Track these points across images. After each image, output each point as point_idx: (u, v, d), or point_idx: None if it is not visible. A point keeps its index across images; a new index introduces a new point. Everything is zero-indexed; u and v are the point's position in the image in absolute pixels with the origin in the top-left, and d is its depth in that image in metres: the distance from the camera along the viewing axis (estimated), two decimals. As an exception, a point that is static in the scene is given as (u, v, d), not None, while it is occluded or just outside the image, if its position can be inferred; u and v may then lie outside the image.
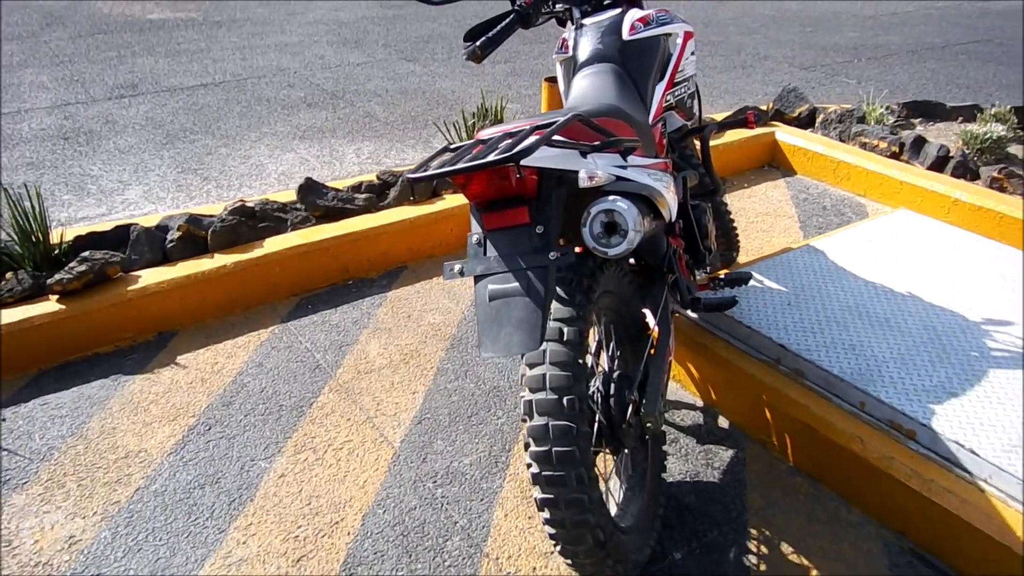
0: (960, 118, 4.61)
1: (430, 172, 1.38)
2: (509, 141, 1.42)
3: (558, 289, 1.62)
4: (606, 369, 1.87)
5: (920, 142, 3.96)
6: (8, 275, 2.72)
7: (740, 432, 2.39)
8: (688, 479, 2.22)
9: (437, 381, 2.62)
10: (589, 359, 1.86)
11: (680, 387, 2.59)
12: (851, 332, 2.42)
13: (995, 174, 3.64)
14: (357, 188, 3.43)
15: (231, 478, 2.22)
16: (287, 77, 5.88)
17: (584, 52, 2.25)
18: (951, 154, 3.84)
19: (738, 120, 2.53)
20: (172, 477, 2.22)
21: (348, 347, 2.79)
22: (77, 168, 4.23)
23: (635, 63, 2.21)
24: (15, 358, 2.62)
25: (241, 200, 3.19)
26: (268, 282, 3.03)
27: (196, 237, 3.01)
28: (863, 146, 4.14)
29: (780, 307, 2.54)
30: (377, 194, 3.42)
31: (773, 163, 4.33)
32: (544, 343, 1.58)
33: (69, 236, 2.97)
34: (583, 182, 1.49)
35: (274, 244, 3.07)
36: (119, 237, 2.98)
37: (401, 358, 2.74)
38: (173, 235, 2.98)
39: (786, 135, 4.28)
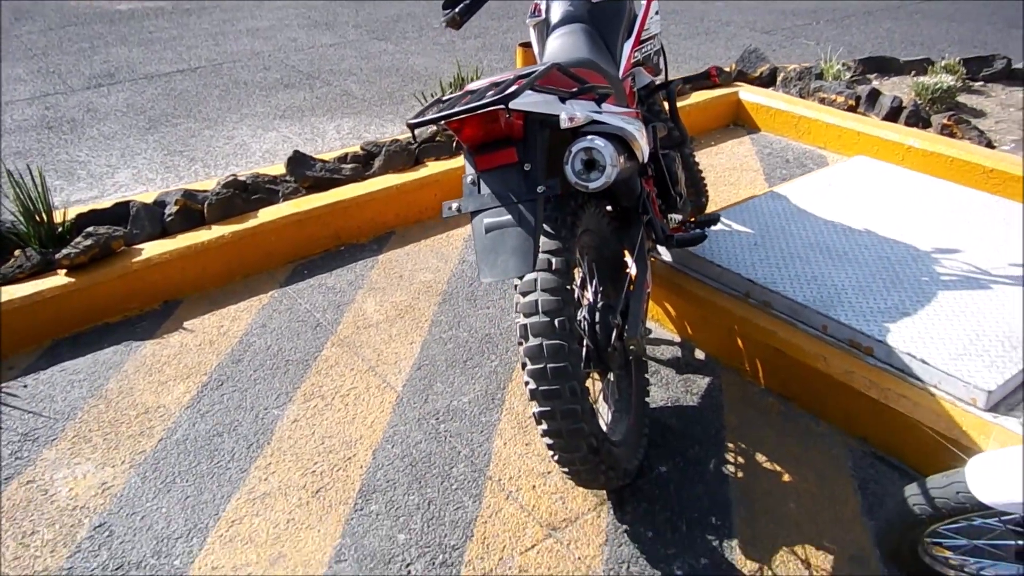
0: (913, 72, 4.83)
1: (428, 117, 1.55)
2: (496, 89, 1.59)
3: (545, 225, 1.80)
4: (591, 301, 2.05)
5: (875, 95, 4.17)
6: (16, 252, 2.86)
7: (716, 362, 2.59)
8: (670, 404, 2.42)
9: (432, 332, 2.80)
10: (576, 291, 2.04)
11: (659, 325, 2.79)
12: (813, 266, 2.62)
13: (945, 121, 3.86)
14: (343, 159, 3.58)
15: (247, 425, 2.38)
16: (262, 60, 5.98)
17: (556, 15, 2.42)
18: (904, 105, 4.05)
19: (701, 75, 2.72)
20: (192, 427, 2.38)
21: (346, 306, 2.96)
22: (64, 155, 4.33)
23: (604, 23, 2.38)
24: (28, 330, 2.75)
25: (233, 175, 3.33)
26: (264, 250, 3.18)
27: (193, 210, 3.16)
28: (822, 101, 4.35)
29: (748, 247, 2.74)
30: (362, 164, 3.58)
31: (738, 121, 4.53)
32: (536, 273, 1.76)
33: (71, 215, 3.10)
34: (564, 123, 1.66)
35: (268, 214, 3.22)
36: (119, 214, 3.11)
37: (397, 313, 2.91)
38: (171, 209, 3.12)
39: (749, 94, 4.47)
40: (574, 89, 1.75)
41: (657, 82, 2.70)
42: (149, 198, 3.27)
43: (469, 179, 1.71)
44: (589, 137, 1.72)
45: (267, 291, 3.07)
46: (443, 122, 1.56)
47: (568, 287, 1.76)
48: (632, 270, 2.18)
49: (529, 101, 1.61)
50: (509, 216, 1.65)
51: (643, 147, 2.02)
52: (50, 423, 2.41)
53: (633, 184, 2.16)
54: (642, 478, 2.15)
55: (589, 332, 1.98)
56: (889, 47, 6.12)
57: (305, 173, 3.41)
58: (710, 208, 3.51)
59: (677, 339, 2.72)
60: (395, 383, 2.54)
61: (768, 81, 4.66)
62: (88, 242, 2.86)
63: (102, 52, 6.28)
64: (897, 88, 4.56)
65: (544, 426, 1.79)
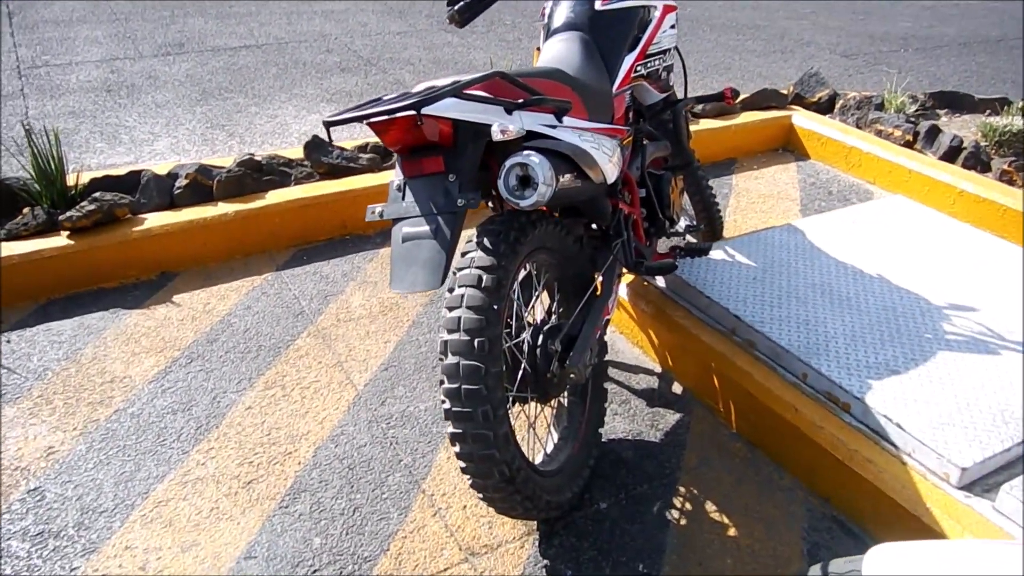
0: (988, 111, 4.52)
1: (343, 117, 1.49)
2: (422, 94, 1.52)
3: (485, 239, 1.72)
4: (539, 322, 1.96)
5: (934, 132, 3.91)
6: (25, 210, 2.93)
7: (691, 398, 2.46)
8: (630, 437, 2.30)
9: (410, 333, 2.75)
10: (519, 310, 1.95)
11: (642, 352, 2.67)
12: (808, 308, 2.46)
13: (1006, 167, 3.59)
14: (363, 148, 3.56)
15: (202, 407, 2.38)
16: (327, 42, 6.04)
17: (557, 20, 2.32)
18: (964, 145, 3.79)
19: (715, 96, 2.58)
20: (149, 402, 2.39)
21: (333, 297, 2.93)
22: (114, 119, 4.45)
23: (604, 32, 2.27)
24: (25, 287, 2.82)
25: (250, 154, 3.35)
26: (268, 232, 3.19)
27: (203, 186, 3.18)
28: (878, 133, 4.11)
29: (744, 281, 2.59)
30: (381, 155, 3.55)
31: (788, 147, 4.32)
32: (463, 288, 1.68)
33: (85, 179, 3.17)
34: (495, 135, 1.57)
35: (276, 196, 3.23)
36: (132, 182, 3.16)
37: (380, 310, 2.86)
38: (181, 183, 3.16)
39: (803, 119, 4.26)
40: (520, 100, 1.65)
41: (663, 100, 2.58)
42: (165, 168, 3.31)
43: (395, 184, 1.65)
44: (525, 152, 1.63)
45: (262, 273, 3.07)
46: (365, 123, 1.50)
47: (496, 306, 1.67)
48: (598, 288, 2.08)
49: (448, 108, 1.53)
50: (427, 227, 1.57)
51: (604, 168, 1.91)
52: (20, 381, 2.46)
53: (600, 206, 2.05)
54: (579, 511, 2.05)
55: (529, 355, 1.89)
56: (976, 83, 5.76)
57: (321, 159, 3.40)
58: (729, 233, 3.34)
59: (657, 369, 2.59)
60: (358, 381, 2.50)
61: (826, 107, 4.44)
62: (92, 207, 2.91)
63: (180, 22, 6.46)
64: (964, 127, 4.27)
65: (456, 448, 1.71)
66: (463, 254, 1.74)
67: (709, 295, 2.51)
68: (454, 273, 1.69)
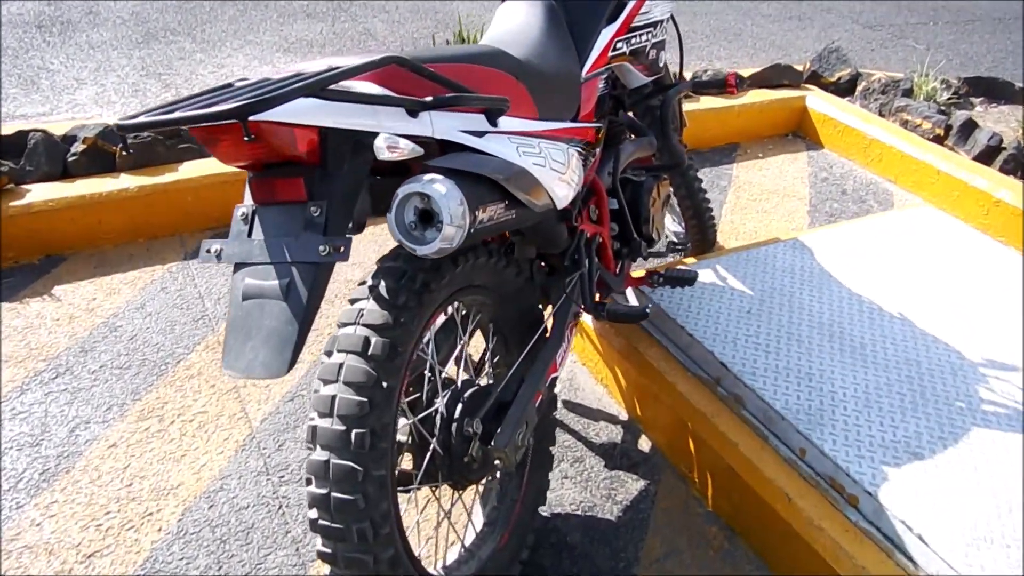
0: (1029, 102, 4.00)
1: (139, 121, 1.00)
2: (272, 87, 1.02)
3: (381, 284, 1.24)
4: (461, 383, 1.49)
5: (970, 126, 3.40)
6: None
7: (660, 459, 2.00)
8: (581, 512, 1.84)
9: (330, 351, 2.27)
10: (448, 369, 1.47)
11: (606, 393, 2.20)
12: (813, 356, 1.98)
13: (1050, 174, 3.09)
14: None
15: (55, 442, 1.91)
16: (297, -18, 5.46)
17: (518, -23, 1.81)
18: (1004, 145, 3.28)
19: (716, 82, 2.08)
20: (-9, 432, 1.93)
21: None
22: (38, 60, 3.91)
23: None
24: None
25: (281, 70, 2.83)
26: (179, 211, 2.69)
27: (104, 152, 2.68)
28: (904, 124, 3.59)
29: (737, 314, 2.11)
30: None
31: (799, 132, 3.81)
32: (342, 355, 1.21)
33: (-37, 137, 2.66)
34: (380, 152, 1.08)
35: (192, 169, 2.72)
36: (19, 144, 2.66)
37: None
38: (77, 147, 2.65)
39: (818, 101, 3.74)
40: (428, 98, 1.15)
41: (651, 85, 2.07)
42: (63, 129, 2.79)
43: (241, 212, 1.16)
44: (427, 178, 1.14)
45: (167, 262, 2.59)
46: (168, 128, 1.00)
47: (387, 383, 1.20)
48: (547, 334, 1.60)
49: (306, 112, 1.03)
50: (276, 281, 1.09)
51: (556, 188, 1.42)
52: None
53: (551, 231, 1.56)
54: (503, 620, 1.60)
55: (441, 432, 1.42)
56: (1012, 65, 5.21)
57: (251, 125, 2.88)
58: (727, 241, 2.86)
59: (623, 416, 2.13)
60: (254, 415, 2.03)
61: (846, 89, 3.90)
62: (-41, 175, 2.41)
63: (139, -49, 5.85)
64: (1003, 121, 3.75)
65: (328, 570, 1.26)
66: (351, 301, 1.26)
67: (692, 331, 2.04)
68: (337, 328, 1.23)
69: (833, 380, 1.91)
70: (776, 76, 3.81)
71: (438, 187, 1.11)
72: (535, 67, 1.49)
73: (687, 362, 2.02)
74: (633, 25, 1.88)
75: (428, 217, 1.14)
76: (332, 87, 1.02)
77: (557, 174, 1.41)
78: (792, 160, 3.57)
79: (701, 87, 2.13)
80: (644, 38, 1.94)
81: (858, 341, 2.05)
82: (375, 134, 1.13)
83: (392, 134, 1.09)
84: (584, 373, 2.26)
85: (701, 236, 2.51)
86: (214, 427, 1.99)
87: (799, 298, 2.20)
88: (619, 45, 1.84)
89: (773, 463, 1.76)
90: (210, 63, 4.04)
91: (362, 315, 1.24)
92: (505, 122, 1.33)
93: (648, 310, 1.71)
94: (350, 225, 1.13)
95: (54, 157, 2.63)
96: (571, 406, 2.14)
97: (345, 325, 1.24)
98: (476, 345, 2.13)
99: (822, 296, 2.21)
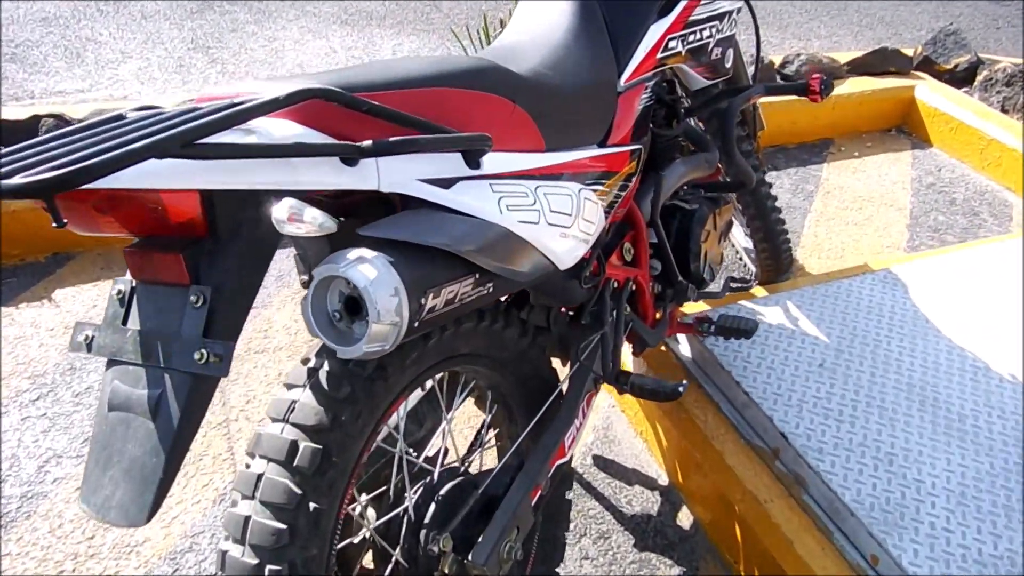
0: None
1: None
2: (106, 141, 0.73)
3: (323, 368, 0.97)
4: (438, 473, 1.21)
5: (1113, 128, 2.88)
6: None
7: (702, 539, 1.68)
8: (598, 604, 1.55)
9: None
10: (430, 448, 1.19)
11: (646, 450, 1.88)
12: (899, 429, 1.62)
13: None
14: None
15: (23, 478, 1.73)
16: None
17: (547, -40, 1.48)
18: None
19: (795, 86, 1.71)
20: (-43, 459, 1.75)
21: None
22: (87, 31, 3.77)
23: (617, -15, 1.42)
24: None
25: (190, 101, 2.61)
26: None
27: (120, 140, 2.48)
28: (1031, 122, 3.09)
29: (807, 368, 1.76)
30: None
31: (904, 127, 3.34)
32: (261, 462, 0.95)
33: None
34: (280, 226, 0.80)
35: (212, 161, 2.50)
36: (32, 130, 2.48)
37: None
38: (92, 135, 2.45)
39: (929, 92, 3.26)
40: (363, 145, 0.85)
41: (721, 85, 1.72)
42: (82, 112, 2.61)
43: (117, 289, 0.89)
44: (353, 255, 0.84)
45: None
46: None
47: (318, 503, 0.94)
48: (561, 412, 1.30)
49: (176, 174, 0.75)
50: (146, 391, 0.83)
51: (555, 247, 1.10)
52: None
53: (555, 288, 1.25)
54: None
55: (407, 538, 1.15)
56: None
57: (280, 113, 2.64)
58: (811, 261, 2.47)
59: (663, 480, 1.81)
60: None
61: (963, 79, 3.40)
62: (-38, 164, 2.25)
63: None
64: None
65: None
66: (286, 386, 1.00)
67: (749, 388, 1.70)
68: (265, 421, 0.98)
69: (921, 465, 1.55)
70: (881, 62, 3.35)
71: (364, 270, 0.82)
72: (546, 83, 1.17)
73: (741, 425, 1.68)
74: (692, 18, 1.53)
75: (355, 307, 0.86)
76: (207, 141, 0.73)
77: (558, 229, 1.09)
78: (894, 161, 3.12)
79: (777, 92, 1.76)
80: (706, 34, 1.59)
81: (956, 412, 1.67)
82: (294, 190, 0.84)
83: (313, 193, 0.80)
84: (623, 422, 1.95)
85: (773, 261, 2.15)
86: (195, 470, 1.77)
87: (886, 349, 1.82)
88: (672, 44, 1.50)
89: (835, 569, 1.42)
90: (262, 35, 3.83)
91: (293, 410, 0.97)
92: (492, 161, 1.02)
93: (681, 389, 1.37)
94: (245, 319, 0.85)
95: (67, 145, 2.44)
96: (603, 463, 1.84)
97: (274, 421, 0.97)
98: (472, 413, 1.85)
99: (915, 348, 1.83)
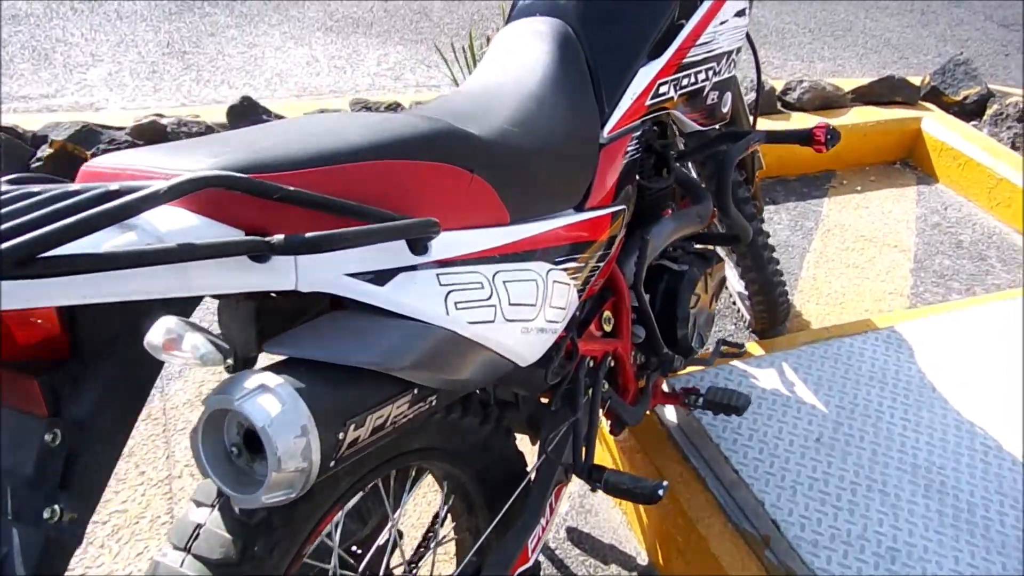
0: None
1: None
2: None
3: (215, 522, 0.81)
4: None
5: None
6: None
7: (682, 633, 1.52)
8: None
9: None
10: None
11: (625, 523, 1.72)
12: (902, 518, 1.47)
13: None
14: (314, 118, 2.62)
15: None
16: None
17: (525, -7, 1.32)
18: None
19: (798, 134, 1.55)
20: None
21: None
22: (59, 30, 3.60)
23: (602, 23, 1.27)
24: None
25: (157, 114, 2.46)
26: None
27: (75, 157, 2.32)
28: (1043, 161, 2.94)
29: (802, 443, 1.61)
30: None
31: (909, 161, 3.19)
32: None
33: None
34: (154, 352, 0.64)
35: (173, 182, 2.33)
36: (-15, 141, 2.32)
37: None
38: (44, 151, 2.29)
39: (936, 125, 3.11)
40: (276, 238, 0.69)
41: (713, 133, 1.56)
42: (40, 123, 2.44)
43: None
44: (252, 382, 0.68)
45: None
46: None
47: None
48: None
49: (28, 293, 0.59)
50: (-9, 543, 0.67)
51: (515, 344, 0.94)
52: None
53: (522, 381, 1.09)
54: None
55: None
56: None
57: (249, 131, 2.48)
58: (806, 307, 2.32)
59: (642, 559, 1.65)
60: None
61: (973, 111, 3.25)
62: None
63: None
64: None
65: None
66: (194, 502, 0.84)
67: (738, 465, 1.55)
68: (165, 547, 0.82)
69: (927, 563, 1.40)
70: (887, 91, 3.20)
71: (264, 404, 0.66)
72: (513, 143, 1.01)
73: (729, 507, 1.53)
74: (687, 60, 1.37)
75: (255, 442, 0.70)
76: (55, 253, 0.56)
77: (519, 324, 0.93)
78: (898, 197, 2.97)
79: (778, 140, 1.61)
80: (702, 77, 1.43)
81: (965, 500, 1.52)
82: (189, 298, 0.68)
83: (171, 324, 0.64)
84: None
85: (769, 314, 1.99)
86: (129, 535, 1.60)
87: (888, 423, 1.67)
88: (664, 89, 1.34)
89: None
90: (242, 41, 3.66)
91: (196, 536, 0.81)
92: (444, 243, 0.86)
93: (661, 492, 1.22)
94: (114, 464, 0.69)
95: (17, 162, 2.28)
96: (578, 537, 1.68)
97: (174, 548, 0.81)
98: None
99: (920, 422, 1.68)
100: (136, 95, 3.14)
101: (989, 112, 3.20)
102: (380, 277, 0.79)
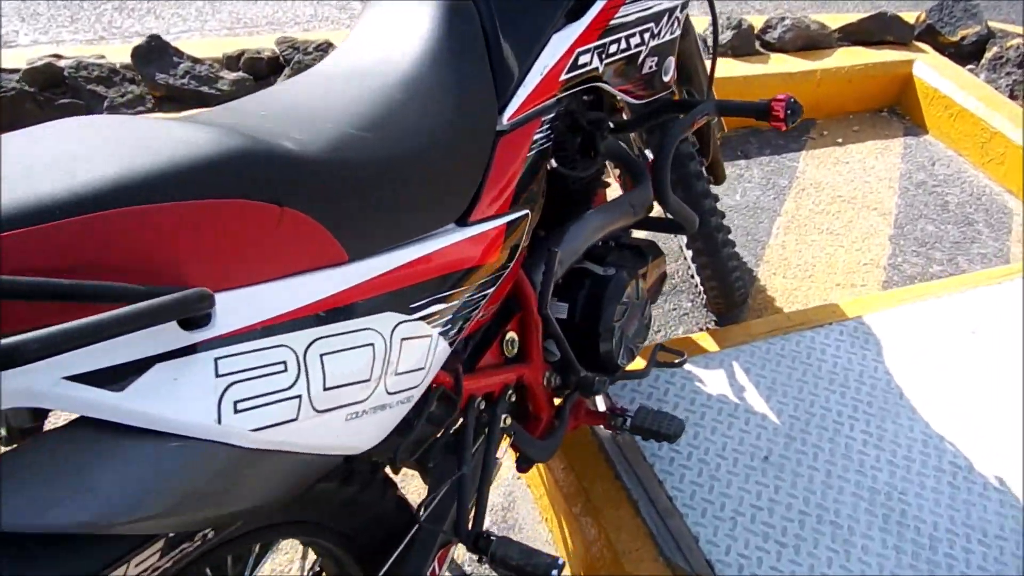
0: None
1: None
2: None
3: None
4: None
5: None
6: None
7: (604, 676, 1.36)
8: None
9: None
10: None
11: (550, 541, 1.54)
12: (854, 556, 1.29)
13: None
14: (234, 61, 2.35)
15: None
16: None
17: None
18: None
19: (754, 107, 1.31)
20: None
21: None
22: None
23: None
24: None
25: (54, 56, 2.18)
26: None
27: (-45, 106, 2.05)
28: (1043, 113, 2.69)
29: (747, 463, 1.42)
30: (259, 76, 2.34)
31: (898, 108, 2.93)
32: None
33: None
34: None
35: (68, 135, 2.08)
36: None
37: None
38: (-82, 99, 2.03)
39: (928, 70, 2.84)
40: (7, 342, 0.47)
41: (654, 103, 1.32)
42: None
43: None
44: None
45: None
46: None
47: None
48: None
49: None
50: None
51: (339, 440, 0.73)
52: None
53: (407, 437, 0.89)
54: None
55: None
56: None
57: (157, 77, 2.22)
58: (772, 281, 2.11)
59: (558, 561, 1.48)
60: None
61: (971, 53, 2.98)
62: None
63: None
64: None
65: None
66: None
67: (673, 490, 1.36)
68: None
69: (877, 614, 1.23)
70: (878, 29, 2.92)
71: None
72: (354, 154, 0.77)
73: (661, 536, 1.35)
74: (615, 22, 1.12)
75: None
76: None
77: (343, 411, 0.72)
78: (882, 150, 2.72)
79: (730, 113, 1.36)
80: (635, 41, 1.18)
81: (927, 535, 1.34)
82: None
83: None
84: (527, 501, 1.61)
85: (724, 299, 1.79)
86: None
87: (847, 436, 1.48)
88: (584, 58, 1.10)
89: None
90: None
91: None
92: (235, 308, 0.64)
93: (555, 573, 1.02)
94: None
95: None
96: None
97: None
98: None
99: (883, 436, 1.49)
100: (50, 27, 2.84)
101: (988, 55, 2.92)
102: (119, 376, 0.57)
